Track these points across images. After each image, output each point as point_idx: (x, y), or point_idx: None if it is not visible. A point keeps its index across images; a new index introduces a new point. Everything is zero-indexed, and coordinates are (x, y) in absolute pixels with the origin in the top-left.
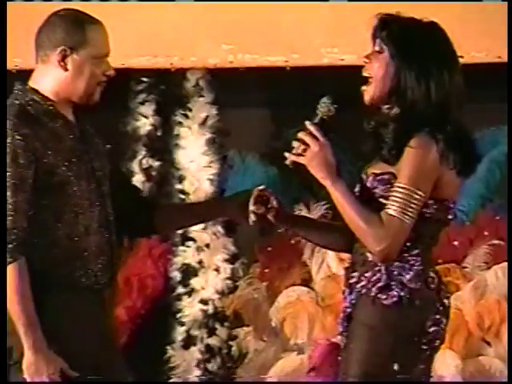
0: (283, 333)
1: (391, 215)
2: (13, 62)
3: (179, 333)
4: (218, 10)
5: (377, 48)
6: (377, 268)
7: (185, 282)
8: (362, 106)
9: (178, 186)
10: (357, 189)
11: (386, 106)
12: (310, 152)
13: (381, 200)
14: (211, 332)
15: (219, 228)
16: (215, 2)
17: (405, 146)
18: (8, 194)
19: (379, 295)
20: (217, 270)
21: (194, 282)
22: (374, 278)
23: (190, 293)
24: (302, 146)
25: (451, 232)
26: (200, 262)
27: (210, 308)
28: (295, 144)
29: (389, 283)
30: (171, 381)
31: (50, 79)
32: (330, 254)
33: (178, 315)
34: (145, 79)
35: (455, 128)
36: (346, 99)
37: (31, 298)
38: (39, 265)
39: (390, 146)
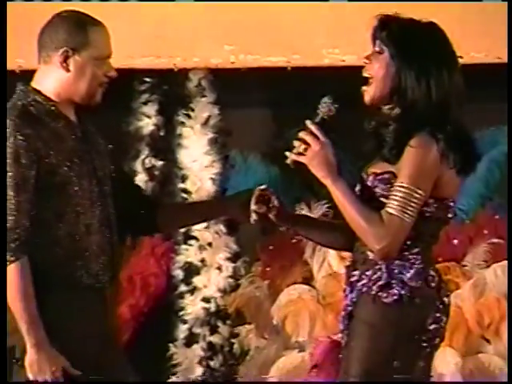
0: (284, 330)
1: (391, 214)
2: (16, 63)
3: (182, 331)
4: (220, 12)
5: (377, 49)
6: (377, 266)
7: (187, 280)
8: (363, 106)
9: (181, 186)
10: (357, 188)
11: (387, 106)
12: (310, 151)
13: (381, 199)
14: (213, 330)
15: (221, 227)
16: (217, 3)
17: (405, 146)
18: (10, 193)
19: (380, 293)
20: (219, 268)
21: (197, 281)
22: (375, 276)
23: (193, 291)
24: (303, 146)
25: (451, 231)
26: (202, 261)
27: (212, 306)
28: (296, 143)
29: (389, 281)
30: (173, 379)
31: (52, 80)
32: (331, 252)
33: (181, 313)
34: (148, 79)
35: (455, 127)
36: (347, 99)
37: (33, 297)
38: (41, 264)
39: (390, 145)
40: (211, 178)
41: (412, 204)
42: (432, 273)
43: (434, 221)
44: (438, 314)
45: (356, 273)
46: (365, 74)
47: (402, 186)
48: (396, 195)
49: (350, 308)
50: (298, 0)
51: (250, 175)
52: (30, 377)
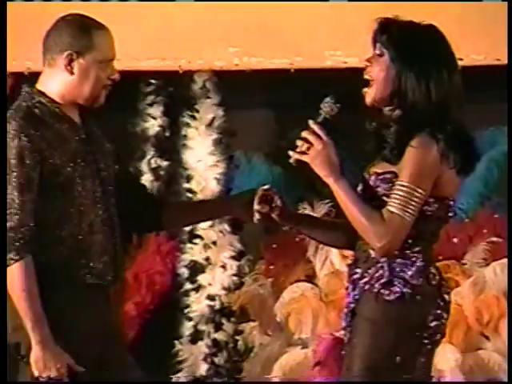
0: (288, 327)
1: (392, 212)
2: (24, 65)
3: (187, 328)
4: (224, 15)
5: (377, 51)
6: (379, 264)
7: (192, 278)
8: (364, 107)
9: (186, 185)
10: (360, 188)
11: (388, 108)
12: (313, 150)
13: (383, 198)
14: (218, 327)
15: (226, 226)
16: (221, 6)
17: (406, 146)
18: (15, 193)
19: (382, 291)
20: (223, 266)
21: (202, 279)
22: (377, 274)
23: (198, 289)
24: (306, 145)
25: (451, 229)
26: (207, 259)
27: (216, 303)
28: (299, 142)
29: (391, 279)
30: (179, 375)
31: (57, 82)
32: (334, 251)
33: (186, 310)
34: (153, 81)
35: (455, 128)
36: (349, 100)
37: (38, 295)
38: (45, 263)
39: (391, 146)
40: (216, 178)
41: (412, 203)
42: (433, 271)
43: (435, 220)
44: (438, 311)
45: (358, 271)
46: (366, 77)
47: (403, 185)
48: (397, 194)
49: (352, 305)
50: (301, 0)
51: (254, 175)
52: (36, 373)
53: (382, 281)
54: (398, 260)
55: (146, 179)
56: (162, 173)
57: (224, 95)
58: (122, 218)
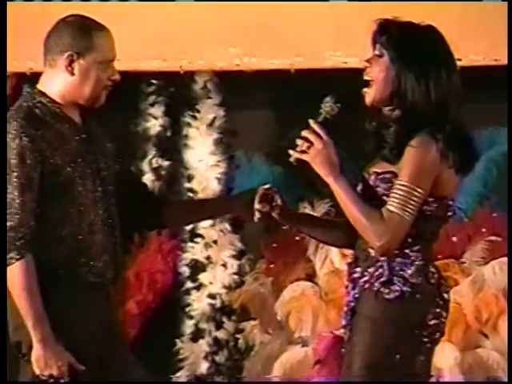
0: (288, 326)
1: (392, 211)
2: (27, 65)
3: (188, 326)
4: (225, 15)
5: (377, 52)
6: (379, 263)
7: (193, 277)
8: (364, 107)
9: (187, 185)
10: (359, 187)
11: (387, 108)
12: (313, 149)
13: (383, 198)
14: (219, 325)
15: (226, 225)
16: (222, 7)
17: (406, 146)
18: (15, 193)
19: (382, 289)
20: (224, 265)
21: (202, 277)
22: (377, 273)
23: (199, 287)
24: (306, 144)
25: (450, 228)
26: (208, 258)
27: (217, 302)
28: (299, 142)
29: (391, 278)
30: (180, 373)
31: (58, 83)
32: (334, 250)
33: (187, 309)
34: (155, 81)
35: (454, 128)
36: (349, 101)
37: (39, 294)
38: (46, 262)
39: (391, 145)
40: (217, 178)
41: (412, 202)
42: (432, 269)
43: (434, 219)
44: (438, 310)
45: (358, 270)
46: (365, 77)
47: (403, 185)
48: (396, 193)
49: (352, 304)
50: (301, 0)
51: (254, 175)
52: (37, 371)
53: (382, 279)
54: (398, 259)
55: (148, 179)
56: (163, 172)
57: (225, 95)
58: (124, 217)
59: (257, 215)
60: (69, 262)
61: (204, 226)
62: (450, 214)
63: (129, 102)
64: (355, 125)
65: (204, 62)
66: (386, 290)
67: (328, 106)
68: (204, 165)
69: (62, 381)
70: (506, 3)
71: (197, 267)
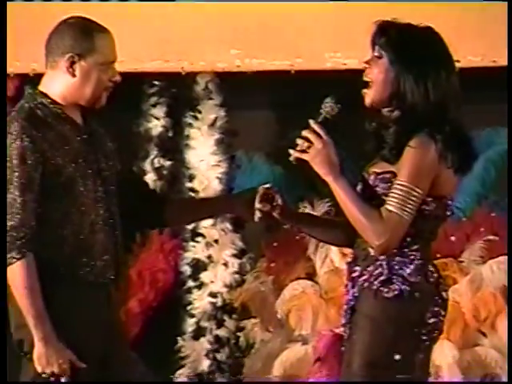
0: (288, 324)
1: (390, 211)
2: (30, 66)
3: (189, 324)
4: (226, 17)
5: (376, 54)
6: (378, 262)
7: (195, 275)
8: (364, 108)
9: (189, 185)
10: (359, 187)
11: (387, 109)
12: (313, 149)
13: (382, 198)
14: (220, 323)
15: (227, 224)
16: (223, 7)
17: (405, 146)
18: (17, 193)
19: (381, 288)
20: (225, 264)
21: (204, 276)
22: (376, 271)
23: (200, 286)
24: (306, 144)
25: (449, 228)
26: (209, 257)
27: (218, 301)
28: (299, 141)
29: (390, 277)
30: (181, 371)
31: (59, 84)
32: (333, 249)
33: (189, 307)
34: (156, 82)
35: (453, 128)
36: (348, 102)
37: (40, 293)
38: (48, 261)
39: (390, 146)
40: (218, 178)
41: (411, 202)
42: (431, 268)
43: (433, 218)
44: (436, 308)
45: (357, 268)
46: (365, 79)
47: (402, 185)
48: (395, 193)
49: (351, 302)
50: (301, 0)
51: (255, 174)
52: (39, 369)
53: (381, 278)
54: (397, 258)
55: (149, 178)
56: (164, 172)
57: (226, 96)
58: (126, 215)
59: (257, 214)
60: (70, 262)
61: (205, 225)
62: (448, 213)
63: (131, 103)
64: (355, 125)
65: (205, 63)
66: (386, 289)
67: (328, 106)
68: (205, 165)
69: (63, 379)
70: (506, 3)
71: (198, 266)
